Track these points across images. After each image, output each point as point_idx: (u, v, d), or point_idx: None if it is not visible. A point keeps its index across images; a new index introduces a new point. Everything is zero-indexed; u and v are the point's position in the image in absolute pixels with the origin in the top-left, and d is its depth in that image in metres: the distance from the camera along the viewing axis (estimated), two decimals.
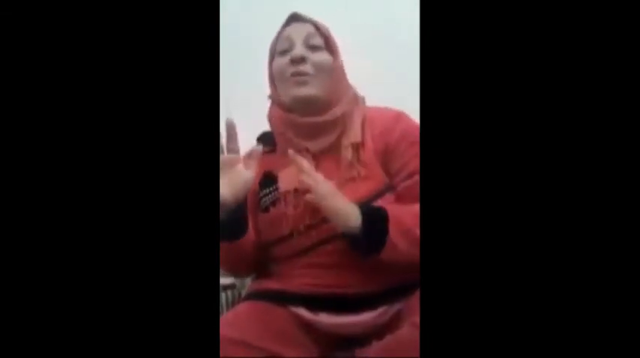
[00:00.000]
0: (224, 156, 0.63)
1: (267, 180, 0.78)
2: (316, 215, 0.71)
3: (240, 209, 0.67)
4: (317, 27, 0.78)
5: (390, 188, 0.72)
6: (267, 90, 0.82)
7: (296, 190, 0.73)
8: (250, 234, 0.74)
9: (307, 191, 0.69)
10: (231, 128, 0.64)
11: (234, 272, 0.90)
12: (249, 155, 0.65)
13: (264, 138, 0.84)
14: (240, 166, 0.64)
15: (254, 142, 0.88)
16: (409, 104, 0.73)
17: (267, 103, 0.83)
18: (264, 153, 0.80)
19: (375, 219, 0.66)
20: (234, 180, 0.63)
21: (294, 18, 0.80)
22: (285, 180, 0.74)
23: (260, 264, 0.79)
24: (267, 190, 0.77)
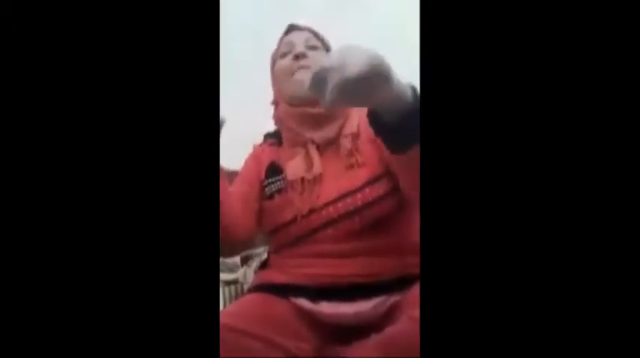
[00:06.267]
0: None
1: (273, 170, 0.84)
2: (319, 200, 0.75)
3: None
4: (314, 32, 0.87)
5: (386, 173, 0.75)
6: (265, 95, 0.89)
7: (303, 179, 0.78)
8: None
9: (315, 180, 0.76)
10: None
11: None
12: None
13: (270, 135, 0.92)
14: None
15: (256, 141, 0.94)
16: None
17: (269, 109, 0.89)
18: (271, 144, 0.89)
19: None
20: None
21: (293, 27, 0.88)
22: (293, 171, 0.80)
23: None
24: (273, 179, 0.83)
